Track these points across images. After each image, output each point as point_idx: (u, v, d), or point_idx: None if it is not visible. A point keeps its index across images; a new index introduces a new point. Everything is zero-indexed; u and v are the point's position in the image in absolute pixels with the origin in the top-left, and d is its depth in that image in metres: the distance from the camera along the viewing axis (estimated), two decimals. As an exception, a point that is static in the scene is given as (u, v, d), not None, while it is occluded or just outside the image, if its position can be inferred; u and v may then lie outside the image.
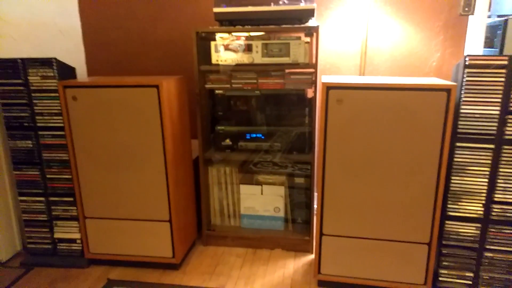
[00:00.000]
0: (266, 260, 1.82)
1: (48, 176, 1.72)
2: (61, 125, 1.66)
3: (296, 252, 1.88)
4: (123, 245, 1.73)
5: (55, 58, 1.61)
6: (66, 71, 1.67)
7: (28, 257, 1.82)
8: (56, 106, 1.65)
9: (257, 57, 1.73)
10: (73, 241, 1.78)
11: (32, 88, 1.64)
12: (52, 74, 1.62)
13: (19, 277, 1.70)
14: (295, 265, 1.78)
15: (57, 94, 1.63)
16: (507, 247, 1.45)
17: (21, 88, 1.64)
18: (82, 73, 2.28)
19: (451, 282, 1.53)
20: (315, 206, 1.78)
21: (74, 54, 2.21)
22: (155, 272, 1.73)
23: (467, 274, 1.50)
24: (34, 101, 1.65)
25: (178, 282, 1.65)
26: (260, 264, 1.79)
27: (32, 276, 1.71)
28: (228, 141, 1.90)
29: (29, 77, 1.63)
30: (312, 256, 1.85)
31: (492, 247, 1.46)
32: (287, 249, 1.91)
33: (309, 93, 1.89)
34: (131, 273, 1.72)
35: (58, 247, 1.80)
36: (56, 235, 1.79)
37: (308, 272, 1.71)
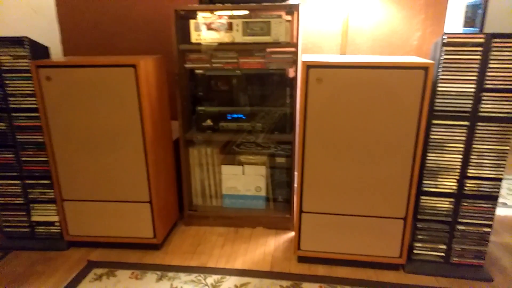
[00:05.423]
0: (247, 239, 1.84)
1: (23, 158, 1.68)
2: (36, 106, 1.61)
3: (277, 230, 1.91)
4: (103, 227, 1.72)
5: (27, 37, 1.55)
6: (39, 51, 1.62)
7: (5, 241, 1.79)
8: (30, 86, 1.60)
9: (237, 36, 1.70)
10: (51, 223, 1.76)
11: (3, 68, 1.58)
12: (24, 54, 1.56)
13: (-3, 260, 1.68)
14: (276, 242, 1.81)
15: (30, 74, 1.58)
16: (478, 220, 1.50)
17: (-9, 68, 1.58)
18: (57, 53, 2.21)
19: (425, 254, 1.58)
20: (295, 184, 1.79)
21: (48, 34, 2.13)
22: (136, 253, 1.73)
23: (440, 246, 1.55)
24: (6, 82, 1.60)
25: (160, 262, 1.66)
26: (242, 242, 1.81)
27: (10, 260, 1.69)
28: (209, 122, 1.88)
29: (-1, 57, 1.57)
30: (292, 233, 1.88)
31: (464, 220, 1.51)
32: (269, 227, 1.93)
33: (291, 73, 1.88)
34: (112, 254, 1.72)
35: (36, 230, 1.78)
36: (34, 218, 1.76)
37: (289, 249, 1.74)
